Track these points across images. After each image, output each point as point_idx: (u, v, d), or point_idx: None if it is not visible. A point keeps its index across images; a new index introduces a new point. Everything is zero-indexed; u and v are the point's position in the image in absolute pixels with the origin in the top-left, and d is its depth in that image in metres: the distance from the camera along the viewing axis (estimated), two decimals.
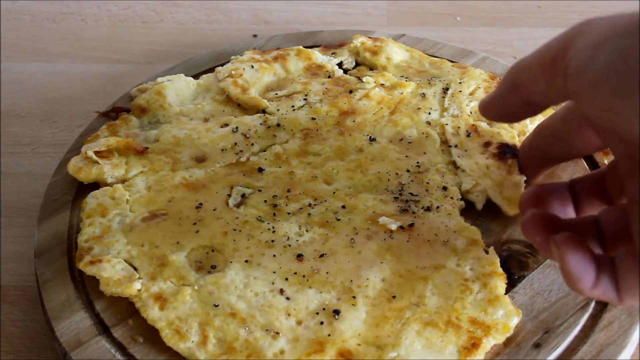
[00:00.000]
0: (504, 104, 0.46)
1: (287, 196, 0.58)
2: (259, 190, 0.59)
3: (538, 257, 0.55)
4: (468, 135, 0.62)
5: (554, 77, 0.38)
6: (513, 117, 0.47)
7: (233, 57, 0.73)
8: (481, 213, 0.58)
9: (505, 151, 0.60)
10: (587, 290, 0.41)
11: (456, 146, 0.62)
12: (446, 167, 0.60)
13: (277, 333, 0.48)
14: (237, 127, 0.64)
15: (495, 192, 0.58)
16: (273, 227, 0.55)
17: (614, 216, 0.45)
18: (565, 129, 0.50)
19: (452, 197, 0.58)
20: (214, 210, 0.57)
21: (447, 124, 0.64)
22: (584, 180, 0.50)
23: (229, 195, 0.58)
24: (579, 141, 0.50)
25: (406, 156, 0.61)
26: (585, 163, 0.62)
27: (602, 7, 0.90)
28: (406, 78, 0.70)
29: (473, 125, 0.63)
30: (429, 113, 0.65)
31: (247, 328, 0.49)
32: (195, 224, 0.56)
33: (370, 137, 0.63)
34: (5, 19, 0.91)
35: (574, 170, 0.61)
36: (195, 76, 0.72)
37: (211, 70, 0.73)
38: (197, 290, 0.51)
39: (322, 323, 0.49)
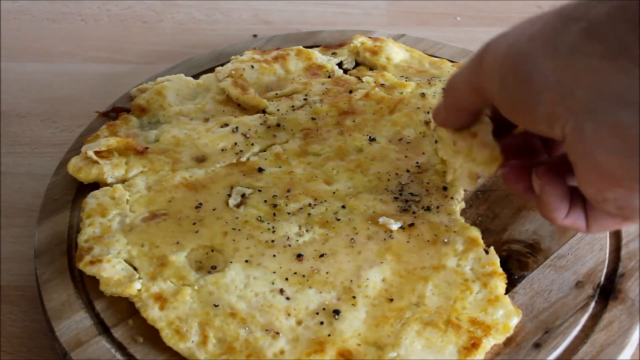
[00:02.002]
0: (448, 115, 0.51)
1: (287, 196, 0.58)
2: (259, 190, 0.59)
3: (538, 257, 0.55)
4: None
5: (479, 89, 0.44)
6: (457, 124, 0.51)
7: (233, 57, 0.73)
8: (481, 213, 0.58)
9: None
10: (559, 220, 0.45)
11: (436, 142, 0.61)
12: (445, 167, 0.60)
13: (277, 333, 0.48)
14: (237, 127, 0.64)
15: (469, 163, 0.53)
16: (273, 227, 0.55)
17: None
18: None
19: (452, 197, 0.58)
20: (213, 210, 0.57)
21: (429, 121, 0.63)
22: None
23: (229, 195, 0.58)
24: None
25: (405, 156, 0.61)
26: None
27: None
28: (406, 78, 0.70)
29: None
30: (428, 113, 0.65)
31: (247, 328, 0.49)
32: (195, 224, 0.56)
33: (370, 137, 0.63)
34: (5, 19, 0.90)
35: None
36: (195, 76, 0.72)
37: (211, 70, 0.73)
38: (197, 290, 0.51)
39: (322, 323, 0.49)
